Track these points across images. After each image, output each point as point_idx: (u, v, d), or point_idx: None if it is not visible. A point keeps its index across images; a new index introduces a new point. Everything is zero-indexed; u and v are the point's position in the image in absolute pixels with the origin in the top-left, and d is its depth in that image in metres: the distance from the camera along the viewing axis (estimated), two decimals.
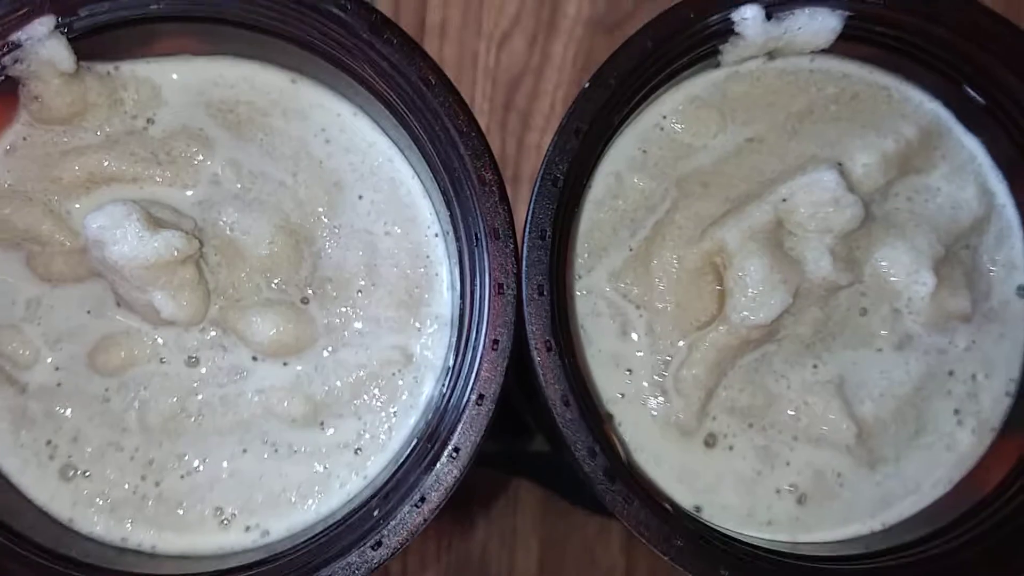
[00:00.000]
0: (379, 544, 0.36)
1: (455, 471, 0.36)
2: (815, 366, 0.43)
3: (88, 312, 0.42)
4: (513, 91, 0.76)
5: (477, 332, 0.38)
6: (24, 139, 0.42)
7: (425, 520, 0.36)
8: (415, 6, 0.75)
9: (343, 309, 0.42)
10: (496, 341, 0.37)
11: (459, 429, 0.37)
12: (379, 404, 0.42)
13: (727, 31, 0.41)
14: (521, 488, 0.71)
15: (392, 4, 0.75)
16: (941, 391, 0.44)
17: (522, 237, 0.38)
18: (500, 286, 0.37)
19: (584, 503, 0.70)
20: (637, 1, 0.77)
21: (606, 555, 0.70)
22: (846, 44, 0.43)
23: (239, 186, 0.43)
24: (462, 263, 0.40)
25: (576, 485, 0.68)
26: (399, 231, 0.43)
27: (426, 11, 0.76)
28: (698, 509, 0.42)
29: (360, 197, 0.43)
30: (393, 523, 0.36)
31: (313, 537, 0.39)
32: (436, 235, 0.43)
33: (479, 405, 0.37)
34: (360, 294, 0.43)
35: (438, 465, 0.36)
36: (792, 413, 0.43)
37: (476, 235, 0.38)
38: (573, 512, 0.70)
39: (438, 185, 0.40)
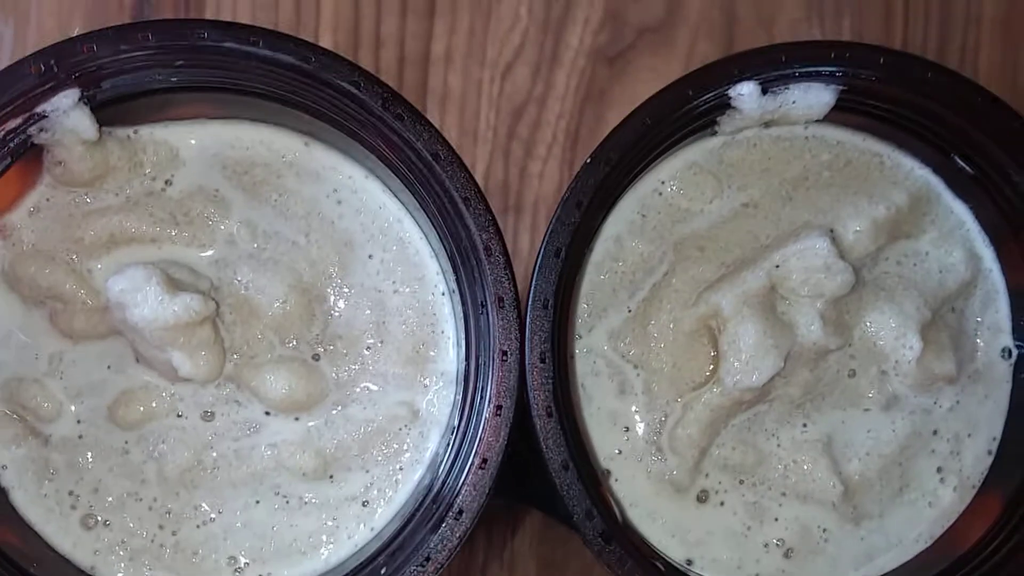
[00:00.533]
0: None
1: (459, 532, 0.38)
2: (804, 425, 0.45)
3: (109, 367, 0.43)
4: (516, 120, 0.77)
5: (481, 397, 0.40)
6: (47, 200, 0.43)
7: None
8: (420, 37, 0.76)
9: (352, 366, 0.44)
10: (499, 407, 0.39)
11: (462, 492, 0.39)
12: (386, 458, 0.44)
13: (724, 105, 0.42)
14: (521, 513, 0.72)
15: (398, 35, 0.76)
16: (925, 450, 0.46)
17: (526, 297, 0.40)
18: (504, 353, 0.39)
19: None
20: (639, 32, 0.79)
21: None
22: (840, 114, 0.45)
23: (254, 246, 0.44)
24: (468, 327, 0.42)
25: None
26: (407, 290, 0.45)
27: (431, 41, 0.78)
28: (689, 562, 0.44)
29: (370, 256, 0.45)
30: None
31: None
32: (443, 294, 0.45)
33: (482, 469, 0.39)
34: (369, 351, 0.44)
35: (443, 526, 0.38)
36: (782, 471, 0.45)
37: (481, 302, 0.40)
38: (572, 538, 0.72)
39: (445, 250, 0.42)
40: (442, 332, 0.45)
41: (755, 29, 0.80)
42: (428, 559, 0.38)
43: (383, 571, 0.38)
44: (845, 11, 0.79)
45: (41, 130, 0.40)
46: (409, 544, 0.39)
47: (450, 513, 0.38)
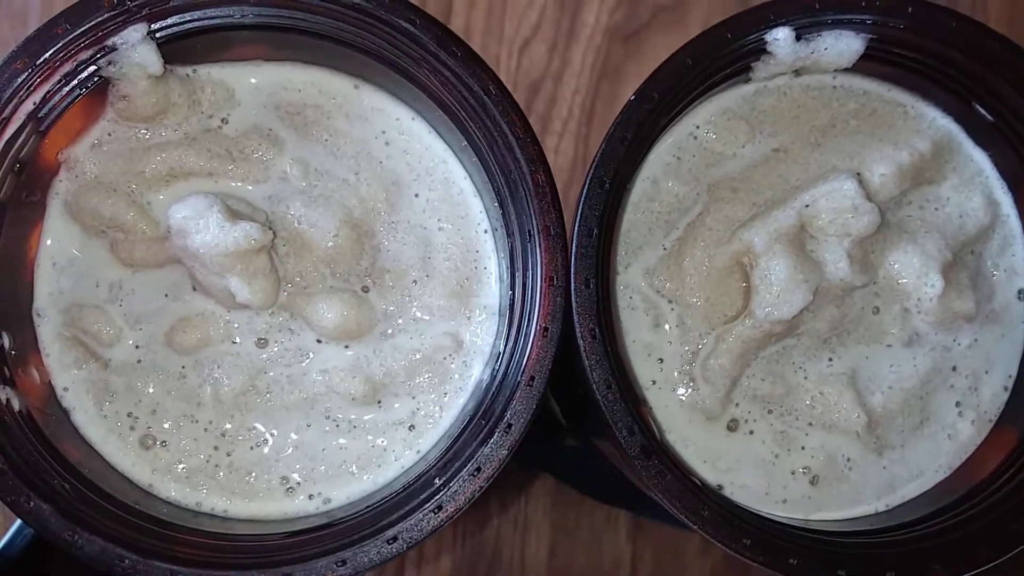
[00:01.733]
0: (439, 508, 0.39)
1: (508, 443, 0.40)
2: (830, 359, 0.47)
3: (166, 295, 0.45)
4: (533, 96, 0.79)
5: (528, 320, 0.42)
6: (109, 135, 0.45)
7: (481, 488, 0.40)
8: (441, 11, 0.79)
9: (400, 298, 0.46)
10: (546, 328, 0.41)
11: (512, 407, 0.40)
12: (431, 385, 0.46)
13: (760, 50, 0.44)
14: (533, 479, 0.74)
15: None
16: (945, 385, 0.48)
17: (570, 235, 0.42)
18: (551, 279, 0.41)
19: (593, 493, 0.73)
20: (653, 11, 0.81)
21: (613, 543, 0.74)
22: (867, 64, 0.47)
23: (305, 183, 0.46)
24: (513, 257, 0.44)
25: (587, 477, 0.72)
26: (451, 227, 0.47)
27: (450, 17, 0.80)
28: (720, 488, 0.46)
29: (416, 195, 0.47)
30: (453, 489, 0.40)
31: (374, 504, 0.42)
32: (485, 231, 0.47)
33: (529, 386, 0.41)
34: (415, 284, 0.46)
35: (493, 439, 0.40)
36: (808, 402, 0.47)
37: (529, 231, 0.42)
38: (583, 502, 0.74)
39: (492, 186, 0.44)
40: (484, 268, 0.47)
41: None
42: (479, 469, 0.40)
43: (436, 480, 0.40)
44: None
45: (110, 63, 0.42)
46: (460, 456, 0.41)
47: (499, 426, 0.40)
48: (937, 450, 0.48)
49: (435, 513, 0.39)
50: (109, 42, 0.42)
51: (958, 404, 0.48)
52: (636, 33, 0.81)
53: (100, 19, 0.41)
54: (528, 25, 0.81)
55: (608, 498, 0.73)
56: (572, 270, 0.41)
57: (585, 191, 0.41)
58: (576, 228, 0.41)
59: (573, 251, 0.41)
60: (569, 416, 0.60)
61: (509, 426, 0.40)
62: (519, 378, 0.41)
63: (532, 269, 0.42)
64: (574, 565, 0.74)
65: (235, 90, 0.47)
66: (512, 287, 0.44)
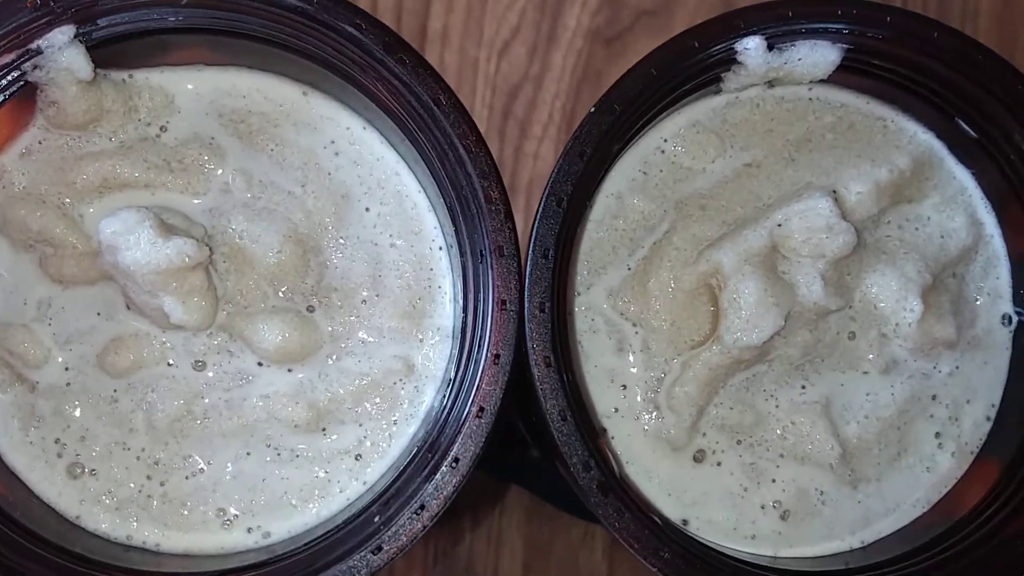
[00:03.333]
0: (379, 549, 0.37)
1: (454, 480, 0.38)
2: (803, 387, 0.45)
3: (98, 314, 0.43)
4: (512, 99, 0.77)
5: (479, 346, 0.39)
6: (40, 143, 0.43)
7: (424, 527, 0.37)
8: (417, 13, 0.76)
9: (348, 318, 0.44)
10: (497, 356, 0.38)
11: (459, 440, 0.38)
12: (380, 412, 0.43)
13: (729, 60, 0.42)
14: (508, 492, 0.72)
15: (395, 11, 0.76)
16: (924, 414, 0.45)
17: (525, 254, 0.40)
18: (503, 302, 0.39)
19: (569, 508, 0.71)
20: (636, 14, 0.79)
21: (590, 559, 0.72)
22: (845, 75, 0.44)
23: (249, 195, 0.44)
24: (465, 278, 0.41)
25: (562, 491, 0.70)
26: (404, 243, 0.44)
27: (428, 18, 0.77)
28: (685, 522, 0.44)
29: (367, 209, 0.44)
30: (393, 529, 0.37)
31: (314, 540, 0.40)
32: (440, 248, 0.44)
33: (479, 417, 0.38)
34: (364, 304, 0.44)
35: (438, 475, 0.38)
36: (779, 432, 0.44)
37: (481, 251, 0.39)
38: (558, 517, 0.71)
39: (444, 201, 0.41)
40: (439, 287, 0.44)
41: None
42: (423, 507, 0.37)
43: (376, 519, 0.38)
44: None
45: (35, 67, 0.40)
46: (403, 492, 0.38)
47: (446, 461, 0.38)
48: (915, 483, 0.45)
49: (374, 554, 0.37)
50: (33, 45, 0.39)
51: (938, 435, 0.46)
52: (619, 37, 0.78)
53: (22, 20, 0.38)
54: (508, 27, 0.79)
55: (584, 513, 0.71)
56: (526, 294, 0.38)
57: (541, 210, 0.39)
58: (530, 249, 0.39)
59: (527, 273, 0.39)
60: (533, 435, 0.57)
61: (456, 460, 0.38)
62: (468, 408, 0.38)
63: (484, 291, 0.39)
64: None
65: (175, 96, 0.44)
66: (464, 310, 0.41)
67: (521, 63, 0.78)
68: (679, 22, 0.79)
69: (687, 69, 0.41)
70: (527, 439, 0.62)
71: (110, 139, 0.43)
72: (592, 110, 0.40)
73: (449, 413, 0.39)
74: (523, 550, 0.72)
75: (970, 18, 0.79)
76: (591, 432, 0.39)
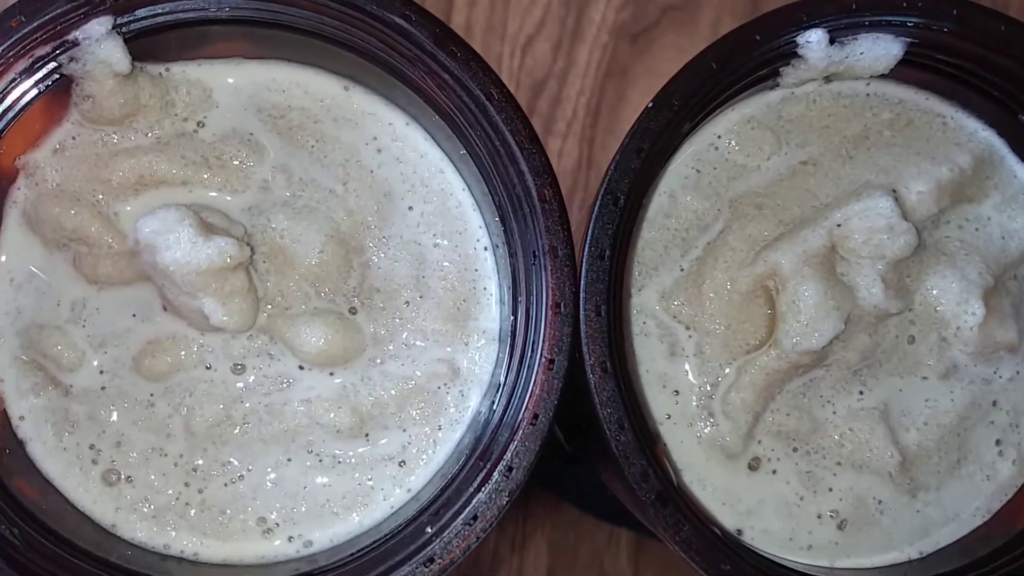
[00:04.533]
0: (431, 560, 0.35)
1: (508, 489, 0.36)
2: (861, 393, 0.43)
3: (134, 315, 0.41)
4: (536, 96, 0.75)
5: (532, 350, 0.38)
6: (73, 138, 0.41)
7: (478, 538, 0.36)
8: (441, 8, 0.75)
9: (391, 320, 0.42)
10: (552, 361, 0.37)
11: (512, 448, 0.36)
12: (424, 417, 0.42)
13: (790, 54, 0.40)
14: (532, 495, 0.71)
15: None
16: (984, 421, 0.44)
17: (578, 254, 0.38)
18: (557, 305, 0.37)
19: (594, 511, 0.70)
20: (663, 9, 0.77)
21: (615, 564, 0.70)
22: (903, 69, 0.43)
23: (289, 193, 0.42)
24: (515, 279, 0.40)
25: (587, 493, 0.69)
26: (448, 243, 0.43)
27: (451, 12, 0.76)
28: (739, 532, 0.42)
29: (410, 208, 0.43)
30: (445, 540, 0.36)
31: (362, 550, 0.38)
32: (485, 248, 0.43)
33: (533, 424, 0.37)
34: (408, 306, 0.42)
35: (490, 483, 0.36)
36: (837, 439, 0.43)
37: (534, 252, 0.38)
38: (583, 520, 0.70)
39: (493, 200, 0.40)
40: (484, 288, 0.43)
41: (779, 7, 0.78)
42: (476, 517, 0.36)
43: (428, 530, 0.36)
44: None
45: (71, 59, 0.38)
46: (454, 502, 0.37)
47: (498, 469, 0.36)
48: (975, 492, 0.44)
49: (425, 566, 0.35)
50: (70, 36, 0.38)
51: (998, 442, 0.44)
52: (644, 32, 0.77)
53: (60, 10, 0.37)
54: (532, 22, 0.77)
55: (609, 516, 0.70)
56: (581, 296, 0.37)
57: (597, 208, 0.37)
58: (586, 249, 0.37)
59: (583, 275, 0.37)
60: (571, 439, 0.56)
61: (510, 469, 0.36)
62: (521, 415, 0.37)
63: (536, 293, 0.38)
64: None
65: (213, 90, 0.42)
66: (514, 312, 0.40)
67: (545, 59, 0.77)
68: (705, 17, 0.77)
69: (747, 63, 0.39)
70: (563, 443, 0.60)
71: (146, 134, 0.42)
72: (650, 105, 0.38)
73: (501, 420, 0.38)
74: (547, 555, 0.70)
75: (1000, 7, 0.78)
76: (650, 441, 0.37)
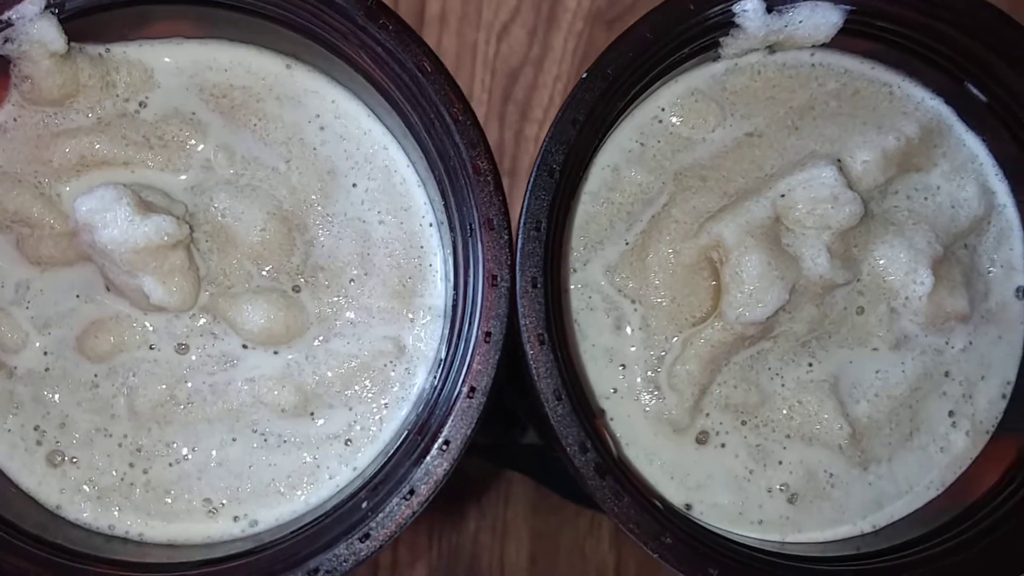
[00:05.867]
0: (367, 536, 0.35)
1: (445, 464, 0.36)
2: (810, 364, 0.43)
3: (77, 296, 0.41)
4: (512, 83, 0.75)
5: (470, 324, 0.37)
6: (14, 120, 0.41)
7: (414, 513, 0.36)
8: None
9: (335, 298, 0.42)
10: (488, 333, 0.37)
11: (450, 422, 0.36)
12: (370, 395, 0.42)
13: (728, 23, 0.40)
14: (512, 482, 0.70)
15: None
16: (936, 392, 0.44)
17: (517, 228, 0.38)
18: (494, 277, 0.37)
19: (576, 498, 0.70)
20: None
21: (596, 550, 0.70)
22: (848, 39, 0.43)
23: (231, 172, 0.42)
24: (456, 253, 0.40)
25: (568, 480, 0.69)
26: (393, 220, 0.43)
27: (426, 1, 0.76)
28: (688, 507, 0.42)
29: (354, 185, 0.43)
30: (381, 515, 0.36)
31: (301, 528, 0.38)
32: (431, 225, 0.43)
33: (470, 398, 0.36)
34: (353, 283, 0.42)
35: (428, 458, 0.36)
36: (786, 412, 0.43)
37: (470, 225, 0.38)
38: (564, 507, 0.70)
39: (433, 174, 0.40)
40: (429, 265, 0.43)
41: None
42: (412, 492, 0.36)
43: (364, 505, 0.36)
44: None
45: (6, 40, 0.38)
46: (392, 477, 0.36)
47: (436, 444, 0.36)
48: (928, 464, 0.44)
49: (361, 542, 0.35)
50: (3, 16, 0.37)
51: (951, 413, 0.44)
52: (620, 17, 0.77)
53: None
54: (507, 9, 0.77)
55: (590, 502, 0.69)
56: (517, 268, 0.37)
57: (532, 180, 0.37)
58: (522, 221, 0.37)
59: (519, 247, 0.37)
60: (528, 416, 0.56)
61: (447, 443, 0.36)
62: (459, 389, 0.36)
63: (474, 267, 0.38)
64: (556, 573, 0.70)
65: (154, 71, 0.42)
66: (455, 287, 0.40)
67: (521, 46, 0.77)
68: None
69: (683, 32, 0.39)
70: (524, 421, 0.60)
71: (87, 115, 0.42)
72: (584, 76, 0.38)
73: (439, 394, 0.38)
74: (529, 541, 0.70)
75: None
76: (588, 412, 0.37)
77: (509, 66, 0.76)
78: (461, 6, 0.77)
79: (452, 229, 0.39)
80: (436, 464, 0.36)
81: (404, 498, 0.36)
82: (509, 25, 0.78)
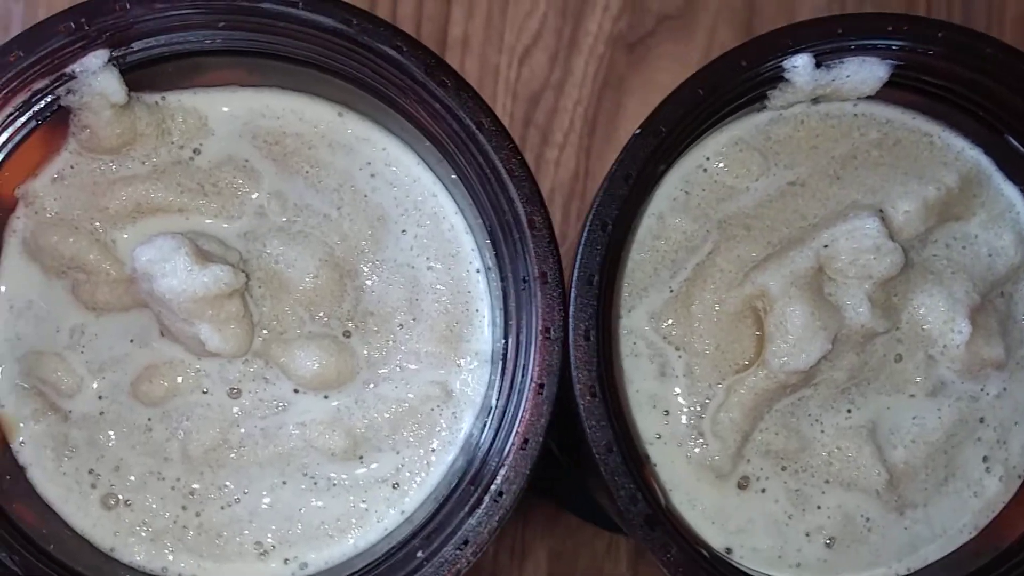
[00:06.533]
0: None
1: (498, 514, 0.37)
2: (849, 411, 0.44)
3: (132, 341, 0.42)
4: (533, 107, 0.76)
5: (523, 374, 0.38)
6: (71, 167, 0.42)
7: (468, 563, 0.36)
8: (437, 19, 0.75)
9: (384, 343, 0.43)
10: (542, 385, 0.37)
11: (502, 472, 0.37)
12: (418, 439, 0.42)
13: (777, 78, 0.41)
14: (531, 502, 0.71)
15: (415, 18, 0.75)
16: (971, 438, 0.44)
17: (569, 280, 0.39)
18: (547, 330, 0.38)
19: (594, 520, 0.70)
20: (659, 19, 0.78)
21: (614, 572, 0.71)
22: (890, 91, 0.43)
23: (284, 219, 0.43)
24: (506, 303, 0.40)
25: (585, 502, 0.69)
26: (441, 266, 0.43)
27: (448, 24, 0.77)
28: (729, 551, 0.43)
29: (404, 231, 0.43)
30: (436, 564, 0.36)
31: (354, 573, 0.39)
32: (478, 271, 0.43)
33: (523, 449, 0.37)
34: (401, 328, 0.43)
35: (481, 508, 0.37)
36: (825, 457, 0.43)
37: (524, 278, 0.38)
38: (582, 528, 0.71)
39: (484, 225, 0.40)
40: (476, 310, 0.43)
41: (775, 17, 0.78)
42: (467, 542, 0.36)
43: (419, 554, 0.37)
44: (867, 0, 0.78)
45: (69, 92, 0.39)
46: (446, 526, 0.37)
47: (488, 494, 0.37)
48: (962, 508, 0.44)
49: None
50: (68, 69, 0.38)
51: (985, 459, 0.45)
52: (641, 42, 0.77)
53: (57, 45, 0.37)
54: (528, 34, 0.78)
55: (609, 525, 0.70)
56: (570, 322, 0.38)
57: (585, 234, 0.38)
58: (575, 275, 0.38)
59: (572, 300, 0.38)
60: (565, 451, 0.57)
61: (500, 494, 0.37)
62: (511, 440, 0.37)
63: (527, 318, 0.38)
64: None
65: (208, 118, 0.43)
66: (505, 335, 0.40)
67: (542, 69, 0.77)
68: (701, 26, 0.78)
69: (734, 88, 0.40)
70: (557, 457, 0.61)
71: (143, 163, 0.42)
72: (637, 132, 0.39)
73: (492, 444, 0.38)
74: (547, 562, 0.71)
75: (995, 22, 0.78)
76: (637, 463, 0.38)
77: (530, 90, 0.77)
78: (483, 30, 0.78)
79: (503, 279, 0.40)
80: (490, 514, 0.37)
81: (458, 548, 0.37)
82: (531, 49, 0.78)
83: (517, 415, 0.38)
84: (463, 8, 0.78)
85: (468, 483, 0.38)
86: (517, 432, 0.37)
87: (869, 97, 0.44)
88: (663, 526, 0.37)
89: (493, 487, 0.37)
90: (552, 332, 0.38)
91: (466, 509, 0.37)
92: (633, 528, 0.37)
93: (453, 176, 0.41)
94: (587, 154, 0.76)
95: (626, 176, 0.38)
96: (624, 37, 0.77)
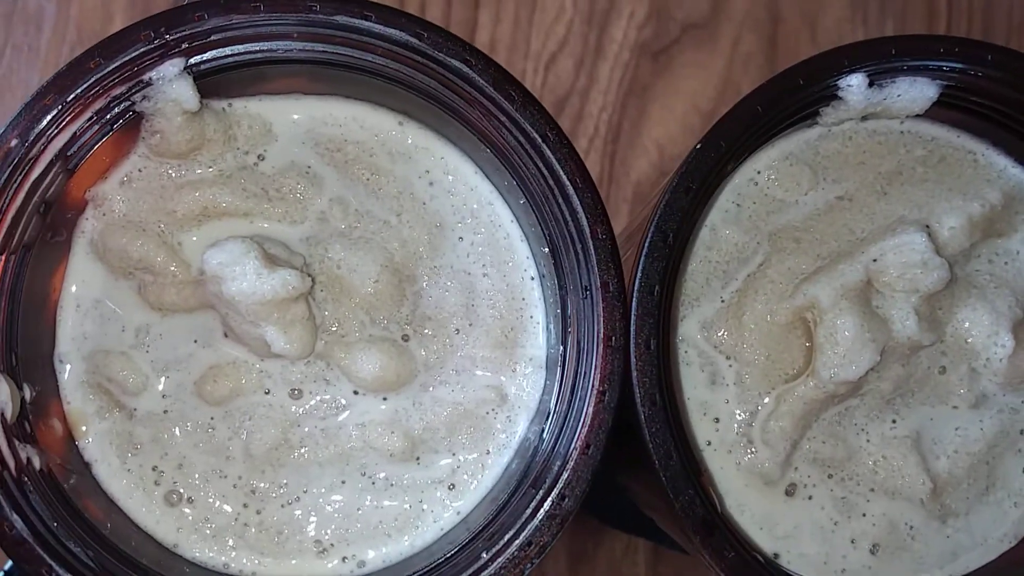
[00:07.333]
0: None
1: (561, 516, 0.38)
2: (894, 421, 0.45)
3: (195, 341, 0.43)
4: (558, 113, 0.77)
5: (584, 381, 0.39)
6: (139, 171, 0.43)
7: (532, 563, 0.37)
8: (465, 25, 0.76)
9: (441, 348, 0.44)
10: (603, 392, 0.38)
11: (565, 476, 0.38)
12: (473, 442, 0.43)
13: (831, 96, 0.42)
14: None
15: (442, 22, 0.76)
16: (1012, 449, 0.46)
17: (628, 287, 0.40)
18: (609, 338, 0.39)
19: (613, 522, 0.71)
20: (683, 27, 0.79)
21: (632, 573, 0.72)
22: (937, 109, 0.44)
23: (345, 224, 0.44)
24: (564, 311, 0.41)
25: (605, 503, 0.70)
26: (496, 273, 0.44)
27: (476, 30, 0.78)
28: (776, 556, 0.44)
29: (460, 239, 0.44)
30: (499, 565, 0.37)
31: (415, 572, 0.40)
32: (532, 278, 0.44)
33: (585, 455, 0.38)
34: (458, 333, 0.44)
35: (543, 510, 0.38)
36: (871, 465, 0.44)
37: (585, 287, 0.39)
38: (602, 530, 0.71)
39: (543, 235, 0.41)
40: (531, 317, 0.44)
41: (799, 27, 0.80)
42: (530, 543, 0.37)
43: (483, 555, 0.38)
44: (888, 11, 0.79)
45: (144, 98, 0.40)
46: (509, 527, 0.38)
47: (550, 497, 0.38)
48: (1003, 518, 0.45)
49: None
50: (145, 77, 0.39)
51: None
52: (665, 50, 0.79)
53: (136, 53, 0.38)
54: (555, 40, 0.79)
55: (627, 526, 0.71)
56: (632, 331, 0.39)
57: (647, 245, 0.39)
58: (636, 285, 0.39)
59: (633, 310, 0.39)
60: (624, 464, 0.57)
61: (563, 497, 0.38)
62: (574, 445, 0.38)
63: (588, 326, 0.39)
64: None
65: (272, 125, 0.44)
66: (563, 342, 0.41)
67: (568, 76, 0.78)
68: (725, 34, 0.79)
69: (791, 105, 0.41)
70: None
71: (209, 167, 0.43)
72: (698, 146, 0.40)
73: (553, 448, 0.39)
74: (566, 562, 0.72)
75: (1015, 35, 0.79)
76: (695, 470, 0.39)
77: (556, 96, 0.78)
78: (510, 36, 0.79)
79: (561, 287, 0.41)
80: (552, 516, 0.38)
81: (523, 549, 0.38)
82: (557, 55, 0.79)
83: (579, 421, 0.39)
84: (491, 13, 0.79)
85: (529, 486, 0.39)
86: (579, 437, 0.38)
87: (916, 115, 0.45)
88: (720, 531, 0.38)
89: (555, 491, 0.38)
90: (614, 341, 0.39)
91: (529, 511, 0.38)
92: (690, 535, 0.38)
93: (507, 183, 0.42)
94: (611, 160, 0.77)
95: (687, 188, 0.39)
96: (649, 45, 0.78)
